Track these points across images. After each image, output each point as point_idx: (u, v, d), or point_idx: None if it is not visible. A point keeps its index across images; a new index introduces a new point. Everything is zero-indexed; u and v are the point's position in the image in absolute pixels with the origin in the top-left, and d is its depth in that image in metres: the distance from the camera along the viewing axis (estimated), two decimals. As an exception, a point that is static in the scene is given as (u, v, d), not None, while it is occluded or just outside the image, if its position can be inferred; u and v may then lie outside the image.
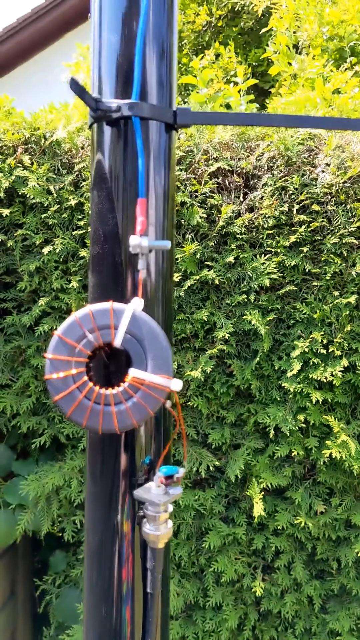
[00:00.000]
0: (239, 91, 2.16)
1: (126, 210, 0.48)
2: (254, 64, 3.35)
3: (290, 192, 1.43)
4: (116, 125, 0.47)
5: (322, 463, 1.43)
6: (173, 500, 0.47)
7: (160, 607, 0.51)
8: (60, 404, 0.44)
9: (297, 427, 1.42)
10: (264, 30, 3.10)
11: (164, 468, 0.48)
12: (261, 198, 1.44)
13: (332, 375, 1.39)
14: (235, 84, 2.42)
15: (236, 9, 3.44)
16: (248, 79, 2.46)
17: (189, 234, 1.46)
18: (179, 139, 1.49)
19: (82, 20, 4.39)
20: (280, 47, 2.91)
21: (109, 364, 0.48)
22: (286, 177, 1.43)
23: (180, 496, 0.47)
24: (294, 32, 2.94)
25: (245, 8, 3.39)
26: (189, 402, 1.47)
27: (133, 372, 0.44)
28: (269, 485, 1.44)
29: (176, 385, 0.44)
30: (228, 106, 2.00)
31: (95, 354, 0.47)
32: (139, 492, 0.47)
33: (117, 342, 0.44)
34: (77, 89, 0.43)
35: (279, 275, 1.43)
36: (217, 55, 3.05)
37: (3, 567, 1.72)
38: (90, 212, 0.51)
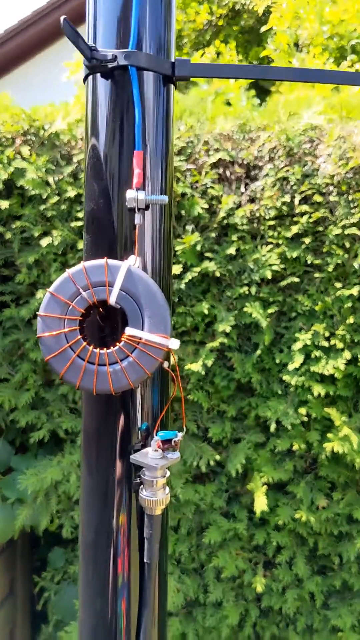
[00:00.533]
0: (239, 87, 2.15)
1: (122, 164, 0.46)
2: (254, 62, 3.35)
3: (292, 182, 1.41)
4: (111, 77, 0.46)
5: (323, 457, 1.41)
6: (171, 464, 0.45)
7: (157, 577, 0.49)
8: (52, 363, 0.43)
9: (298, 421, 1.40)
10: (264, 28, 3.10)
11: (161, 432, 0.46)
12: (262, 189, 1.43)
13: (334, 368, 1.37)
14: (236, 79, 2.41)
15: (237, 8, 3.44)
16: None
17: (190, 225, 1.45)
18: (179, 129, 1.48)
19: (82, 22, 4.39)
20: (281, 45, 2.91)
21: (103, 323, 0.46)
22: (288, 168, 1.42)
23: (178, 461, 0.45)
24: (295, 31, 2.94)
25: (245, 7, 3.40)
26: (189, 396, 1.45)
27: (129, 331, 0.42)
28: (271, 480, 1.42)
29: (174, 344, 0.42)
30: (229, 103, 1.99)
31: (90, 314, 0.45)
32: (135, 456, 0.46)
33: (112, 300, 0.43)
34: (72, 34, 0.42)
35: (281, 267, 1.41)
36: (218, 54, 3.05)
37: (1, 565, 1.70)
38: (84, 167, 0.49)
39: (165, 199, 0.45)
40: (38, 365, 1.52)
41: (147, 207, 0.46)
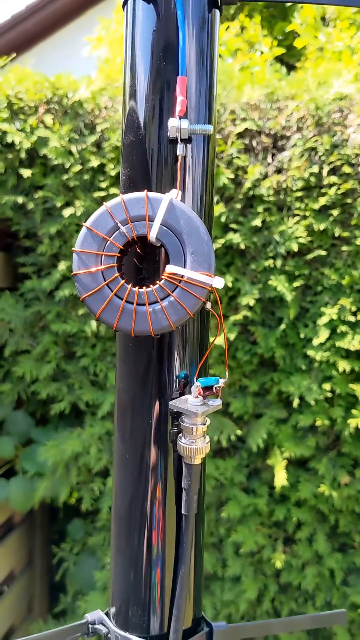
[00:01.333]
0: (265, 60, 2.11)
1: (164, 92, 0.44)
2: (279, 37, 3.28)
3: (320, 153, 1.38)
4: (153, 0, 0.43)
5: (347, 434, 1.39)
6: (212, 411, 0.43)
7: (194, 530, 0.47)
8: (88, 302, 0.40)
9: (322, 397, 1.38)
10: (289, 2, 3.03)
11: (202, 378, 0.44)
12: (290, 159, 1.40)
13: (360, 343, 1.35)
14: (262, 52, 2.36)
15: (262, -18, 3.34)
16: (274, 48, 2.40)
17: (214, 195, 1.42)
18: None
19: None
20: (307, 19, 2.84)
21: (141, 262, 0.44)
22: (316, 138, 1.38)
23: (219, 408, 0.44)
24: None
25: (271, -20, 3.30)
26: (211, 370, 1.43)
27: (170, 268, 0.40)
28: (292, 455, 1.40)
29: (218, 282, 0.40)
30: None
31: (127, 251, 0.43)
32: (174, 402, 0.44)
33: (153, 235, 0.40)
34: None
35: (307, 239, 1.38)
36: (242, 28, 2.97)
37: (21, 536, 1.71)
38: (123, 97, 0.47)
39: (210, 128, 0.43)
40: (59, 337, 1.52)
41: (189, 139, 0.43)
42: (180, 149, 0.42)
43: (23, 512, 1.64)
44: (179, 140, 0.42)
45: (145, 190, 0.41)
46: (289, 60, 3.07)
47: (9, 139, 1.43)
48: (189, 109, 0.44)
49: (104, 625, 0.51)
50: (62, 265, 1.46)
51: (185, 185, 0.45)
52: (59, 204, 1.45)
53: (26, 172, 1.45)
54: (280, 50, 2.33)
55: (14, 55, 2.01)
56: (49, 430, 1.58)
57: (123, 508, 0.50)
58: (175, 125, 0.42)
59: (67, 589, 1.67)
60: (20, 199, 1.46)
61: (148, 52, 0.44)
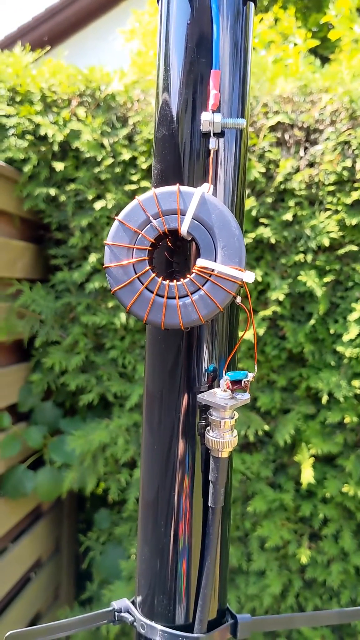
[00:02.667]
0: (298, 52, 2.08)
1: (197, 85, 0.44)
2: (313, 29, 3.23)
3: (354, 147, 1.36)
4: (188, -8, 0.43)
5: (376, 431, 1.38)
6: (240, 405, 0.43)
7: (220, 522, 0.48)
8: (119, 295, 0.41)
9: (351, 393, 1.36)
10: (325, -7, 2.98)
11: (230, 372, 0.44)
12: (322, 153, 1.38)
13: (391, 339, 1.33)
14: (295, 44, 2.33)
15: (297, -28, 3.31)
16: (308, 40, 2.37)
17: (246, 190, 1.41)
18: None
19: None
20: (342, 10, 2.79)
21: (172, 256, 0.44)
22: (350, 131, 1.36)
23: (247, 402, 0.44)
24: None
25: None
26: (239, 365, 1.43)
27: (201, 262, 0.40)
28: (319, 452, 1.40)
29: (249, 277, 0.40)
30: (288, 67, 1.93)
31: (158, 244, 0.43)
32: (203, 396, 0.44)
33: (184, 229, 0.40)
34: None
35: (339, 234, 1.36)
36: (276, 20, 2.94)
37: (49, 524, 1.74)
38: (156, 90, 0.47)
39: (243, 122, 0.43)
40: (89, 328, 1.53)
41: (222, 133, 0.43)
42: (212, 142, 0.42)
43: (50, 501, 1.66)
44: (211, 134, 0.42)
45: (177, 184, 0.41)
46: (323, 52, 3.03)
47: (42, 132, 1.45)
48: (222, 102, 0.44)
49: (130, 613, 0.52)
50: (92, 258, 1.47)
51: (217, 179, 0.45)
52: (90, 197, 1.46)
53: (59, 165, 1.46)
54: (315, 42, 2.29)
55: (48, 48, 2.03)
56: (77, 420, 1.60)
57: (150, 498, 0.51)
58: (208, 119, 0.42)
59: (93, 577, 1.69)
60: (52, 192, 1.47)
61: (182, 46, 0.44)
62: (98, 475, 1.54)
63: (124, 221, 0.42)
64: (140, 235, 0.41)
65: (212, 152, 0.43)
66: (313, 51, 2.90)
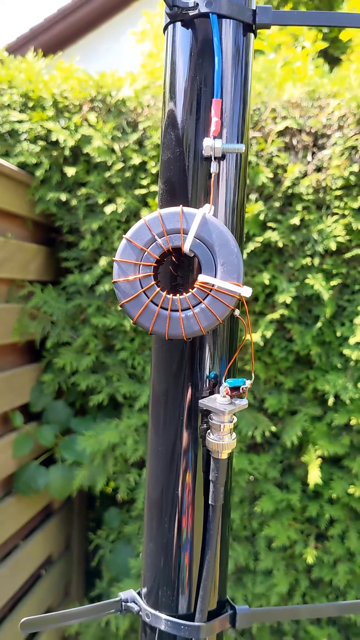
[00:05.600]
0: (307, 55, 2.09)
1: (200, 112, 0.47)
2: (324, 30, 3.24)
3: (361, 151, 1.37)
4: (191, 25, 0.46)
5: (382, 433, 1.39)
6: (238, 410, 0.46)
7: (220, 519, 0.50)
8: (127, 307, 0.44)
9: (357, 396, 1.38)
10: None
11: (230, 379, 0.47)
12: (330, 158, 1.40)
13: None
14: (303, 47, 2.34)
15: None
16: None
17: (253, 194, 1.43)
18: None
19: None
20: (354, 9, 2.80)
21: (176, 271, 0.47)
22: (357, 136, 1.38)
23: (245, 407, 0.47)
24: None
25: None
26: (246, 366, 1.45)
27: (202, 277, 0.43)
28: (326, 453, 1.41)
29: (246, 291, 0.43)
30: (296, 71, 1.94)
31: (163, 261, 0.46)
32: (204, 401, 0.47)
33: (187, 247, 0.43)
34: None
35: (346, 238, 1.38)
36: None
37: (59, 522, 1.77)
38: (161, 115, 0.50)
39: (242, 147, 0.45)
40: (99, 330, 1.56)
41: (222, 157, 0.46)
42: (213, 166, 0.45)
43: (61, 499, 1.69)
44: (212, 159, 0.45)
45: (181, 205, 0.44)
46: (334, 52, 3.04)
47: (53, 137, 1.48)
48: (223, 128, 0.46)
49: (136, 603, 0.56)
50: (103, 261, 1.50)
51: (218, 200, 0.47)
52: (101, 201, 1.49)
53: (70, 170, 1.49)
54: (323, 45, 2.30)
55: (60, 54, 2.05)
56: (87, 420, 1.63)
57: (155, 495, 0.54)
58: (210, 144, 0.44)
59: (102, 575, 1.72)
60: (64, 196, 1.50)
61: (186, 75, 0.47)
62: (108, 475, 1.57)
63: (132, 239, 0.44)
64: (146, 252, 0.44)
65: (213, 175, 0.46)
66: (324, 52, 2.91)
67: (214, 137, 0.45)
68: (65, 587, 1.83)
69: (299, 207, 1.40)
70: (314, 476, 1.38)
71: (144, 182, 1.48)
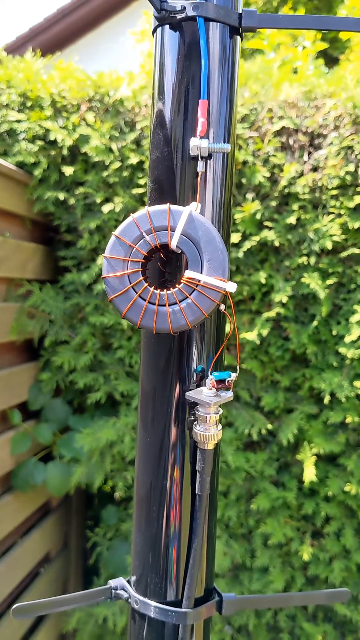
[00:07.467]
0: (307, 55, 2.10)
1: (187, 113, 0.48)
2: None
3: (357, 151, 1.38)
4: (179, 28, 0.47)
5: (377, 431, 1.40)
6: (224, 402, 0.47)
7: (207, 508, 0.52)
8: (116, 302, 0.45)
9: (353, 394, 1.39)
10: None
11: (216, 372, 0.48)
12: (326, 157, 1.41)
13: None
14: (304, 47, 2.35)
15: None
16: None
17: (250, 193, 1.44)
18: (243, 95, 1.47)
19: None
20: (353, 10, 2.80)
21: (164, 267, 0.48)
22: (353, 136, 1.39)
23: (231, 399, 0.48)
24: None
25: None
26: (243, 365, 1.46)
27: (188, 273, 0.44)
28: (322, 451, 1.42)
29: (231, 287, 0.44)
30: (295, 71, 1.95)
31: (151, 257, 0.47)
32: (190, 393, 0.49)
33: (174, 243, 0.45)
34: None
35: (342, 237, 1.39)
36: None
37: (57, 520, 1.78)
38: (150, 116, 0.51)
39: (227, 147, 0.46)
40: (97, 328, 1.57)
41: (209, 156, 0.47)
42: (200, 165, 0.47)
43: (59, 497, 1.70)
44: (199, 158, 0.46)
45: (168, 203, 0.45)
46: (333, 52, 3.05)
47: (51, 137, 1.49)
48: (209, 128, 0.48)
49: (126, 591, 0.57)
50: (100, 260, 1.50)
51: (204, 198, 0.48)
52: (98, 200, 1.50)
53: (68, 169, 1.50)
54: (323, 45, 2.31)
55: (59, 54, 2.06)
56: (85, 418, 1.64)
57: (144, 489, 0.55)
58: (196, 144, 0.46)
59: (100, 572, 1.73)
60: (62, 195, 1.51)
61: (174, 77, 0.48)
62: (105, 472, 1.58)
63: (120, 236, 0.45)
64: (135, 249, 0.45)
65: (200, 174, 0.47)
66: (323, 52, 2.92)
67: (201, 137, 0.46)
68: (63, 585, 1.84)
69: (295, 206, 1.41)
70: (310, 474, 1.39)
71: (142, 182, 1.49)
